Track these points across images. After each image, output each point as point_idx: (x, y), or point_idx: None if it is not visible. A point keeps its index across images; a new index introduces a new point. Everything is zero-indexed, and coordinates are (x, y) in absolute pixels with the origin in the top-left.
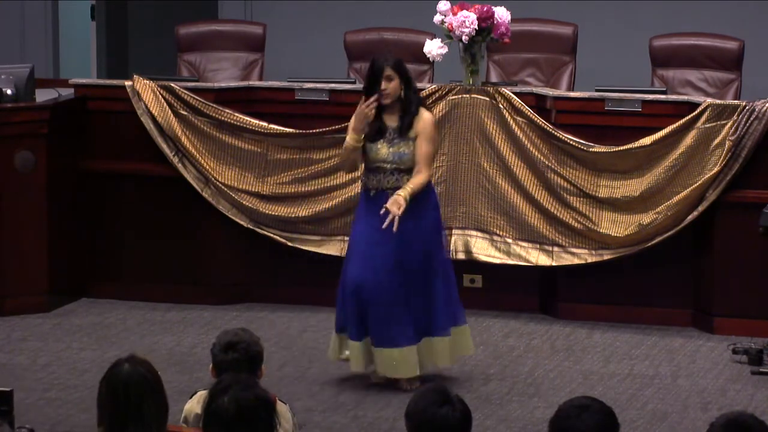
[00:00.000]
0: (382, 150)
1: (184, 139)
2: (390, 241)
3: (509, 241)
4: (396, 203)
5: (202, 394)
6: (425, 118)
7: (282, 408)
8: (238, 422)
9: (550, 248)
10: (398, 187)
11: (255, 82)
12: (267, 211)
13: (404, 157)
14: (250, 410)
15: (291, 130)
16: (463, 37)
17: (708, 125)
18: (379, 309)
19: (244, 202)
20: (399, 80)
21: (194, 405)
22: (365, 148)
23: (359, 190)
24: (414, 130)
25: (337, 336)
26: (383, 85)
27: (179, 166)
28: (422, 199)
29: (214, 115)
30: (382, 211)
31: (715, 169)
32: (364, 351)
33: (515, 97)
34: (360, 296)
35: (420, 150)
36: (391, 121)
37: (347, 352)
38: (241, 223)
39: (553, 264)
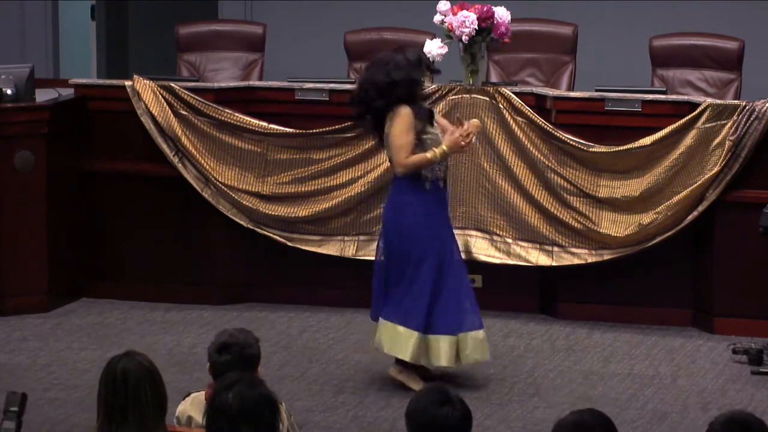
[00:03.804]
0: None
1: (184, 139)
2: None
3: (509, 241)
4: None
5: (195, 396)
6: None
7: None
8: (242, 419)
9: (550, 248)
10: (444, 178)
11: (255, 82)
12: (267, 211)
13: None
14: (253, 407)
15: (291, 130)
16: (463, 37)
17: (708, 125)
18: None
19: (244, 202)
20: None
21: (187, 406)
22: (425, 135)
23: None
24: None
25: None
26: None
27: (179, 166)
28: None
29: (214, 115)
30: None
31: (715, 169)
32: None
33: (515, 97)
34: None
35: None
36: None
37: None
38: (241, 223)
39: (553, 264)
